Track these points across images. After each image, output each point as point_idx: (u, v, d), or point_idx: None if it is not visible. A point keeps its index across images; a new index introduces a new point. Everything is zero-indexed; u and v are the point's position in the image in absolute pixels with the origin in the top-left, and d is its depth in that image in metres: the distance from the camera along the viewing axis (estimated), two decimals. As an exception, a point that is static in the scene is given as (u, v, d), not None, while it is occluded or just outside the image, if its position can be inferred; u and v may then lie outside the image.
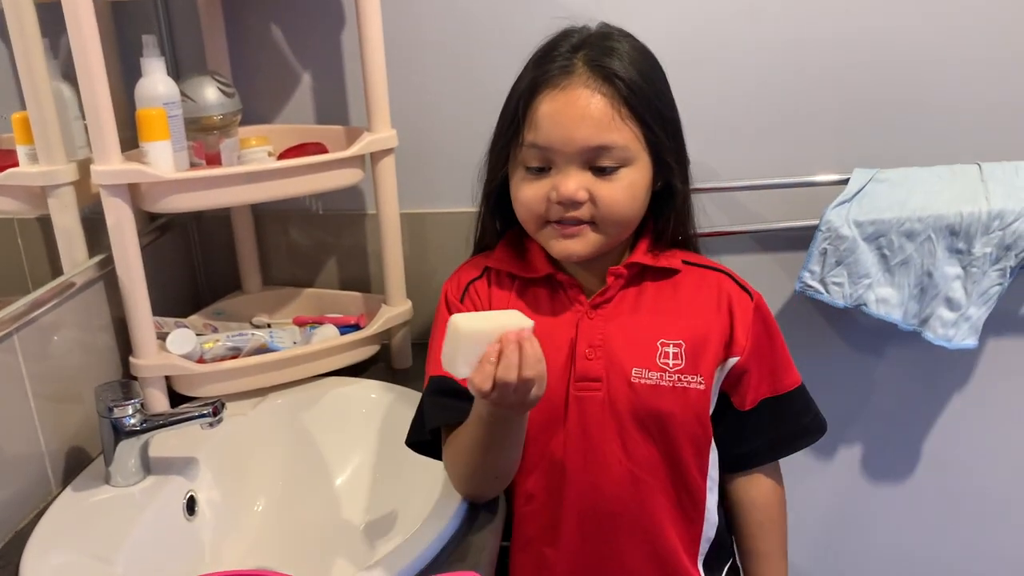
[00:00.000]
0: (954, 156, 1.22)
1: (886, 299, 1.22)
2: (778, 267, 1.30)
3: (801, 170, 1.25)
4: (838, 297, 1.22)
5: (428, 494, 0.94)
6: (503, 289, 1.01)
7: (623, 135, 0.90)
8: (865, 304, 1.22)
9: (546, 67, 0.92)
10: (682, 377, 0.94)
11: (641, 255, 0.97)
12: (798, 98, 1.23)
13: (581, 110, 0.89)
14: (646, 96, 0.91)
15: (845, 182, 1.22)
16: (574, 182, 0.90)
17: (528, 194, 0.94)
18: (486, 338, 0.78)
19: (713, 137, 1.24)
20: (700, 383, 0.95)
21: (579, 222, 0.92)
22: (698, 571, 1.01)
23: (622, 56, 0.91)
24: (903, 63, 1.21)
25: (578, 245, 0.94)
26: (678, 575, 0.99)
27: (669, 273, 0.98)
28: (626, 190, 0.91)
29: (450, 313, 1.00)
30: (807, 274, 1.22)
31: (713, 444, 0.99)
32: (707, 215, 1.23)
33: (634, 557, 0.98)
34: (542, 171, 0.93)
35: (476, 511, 0.94)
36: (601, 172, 0.91)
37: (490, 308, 1.01)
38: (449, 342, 0.79)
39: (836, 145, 1.25)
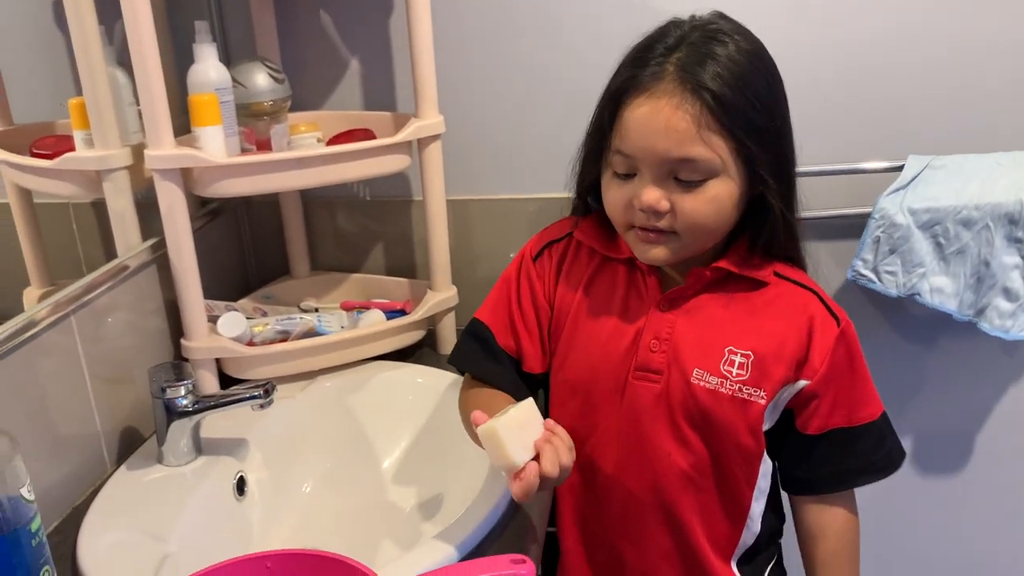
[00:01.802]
0: (1014, 143, 1.19)
1: (941, 288, 1.19)
2: (829, 256, 1.28)
3: (853, 157, 1.23)
4: (891, 286, 1.20)
5: (474, 477, 0.95)
6: (579, 262, 1.01)
7: (708, 149, 0.85)
8: (919, 294, 1.19)
9: (639, 68, 0.87)
10: (743, 388, 0.92)
11: (728, 261, 0.94)
12: (850, 83, 1.21)
13: (664, 121, 0.84)
14: (738, 108, 0.85)
15: (898, 169, 1.19)
16: (655, 194, 0.87)
17: (614, 199, 0.92)
18: (518, 423, 0.80)
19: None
20: (761, 397, 0.92)
21: (659, 231, 0.90)
22: (731, 570, 0.99)
23: (719, 61, 0.85)
24: (959, 46, 1.18)
25: (659, 252, 0.91)
26: (705, 571, 0.98)
27: (756, 284, 0.95)
28: (710, 203, 0.87)
29: (520, 271, 1.03)
30: (859, 263, 1.20)
31: (765, 457, 0.96)
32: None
33: (665, 546, 0.98)
34: (628, 176, 0.90)
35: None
36: (686, 184, 0.87)
37: (556, 278, 1.01)
38: (493, 447, 0.79)
39: (889, 131, 1.23)
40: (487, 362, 1.01)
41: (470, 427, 0.97)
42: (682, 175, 0.86)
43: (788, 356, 0.92)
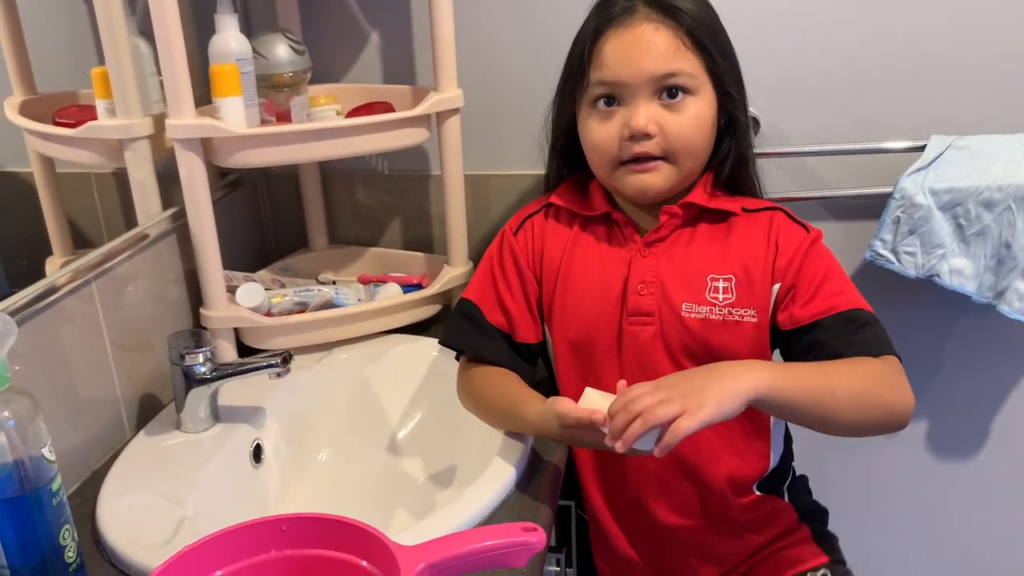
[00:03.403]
0: (1038, 123, 1.18)
1: (960, 270, 1.18)
2: (847, 235, 1.27)
3: (874, 136, 1.22)
4: (910, 267, 1.19)
5: (486, 450, 0.95)
6: (561, 224, 1.04)
7: (689, 63, 0.92)
8: (938, 275, 1.19)
9: (608, 11, 0.95)
10: (733, 311, 0.95)
11: (697, 196, 0.98)
12: (872, 61, 1.20)
13: (646, 43, 0.92)
14: (707, 27, 0.94)
15: (920, 149, 1.18)
16: (644, 115, 0.93)
17: (600, 135, 0.96)
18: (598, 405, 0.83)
19: (784, 100, 1.21)
20: (752, 316, 0.95)
21: (652, 158, 0.94)
22: (752, 492, 1.02)
23: None
24: (985, 25, 1.16)
25: (655, 178, 0.96)
26: (726, 501, 1.01)
27: (725, 215, 0.99)
28: (693, 120, 0.94)
29: (502, 245, 1.06)
30: (878, 243, 1.19)
31: None
32: (775, 180, 1.22)
33: (689, 487, 1.00)
34: (611, 104, 0.95)
35: (535, 467, 0.95)
36: (671, 97, 0.93)
37: (543, 244, 1.04)
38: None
39: (911, 110, 1.21)
40: (479, 338, 1.02)
41: (488, 414, 0.98)
42: (667, 91, 0.93)
43: (765, 269, 0.96)
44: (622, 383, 0.85)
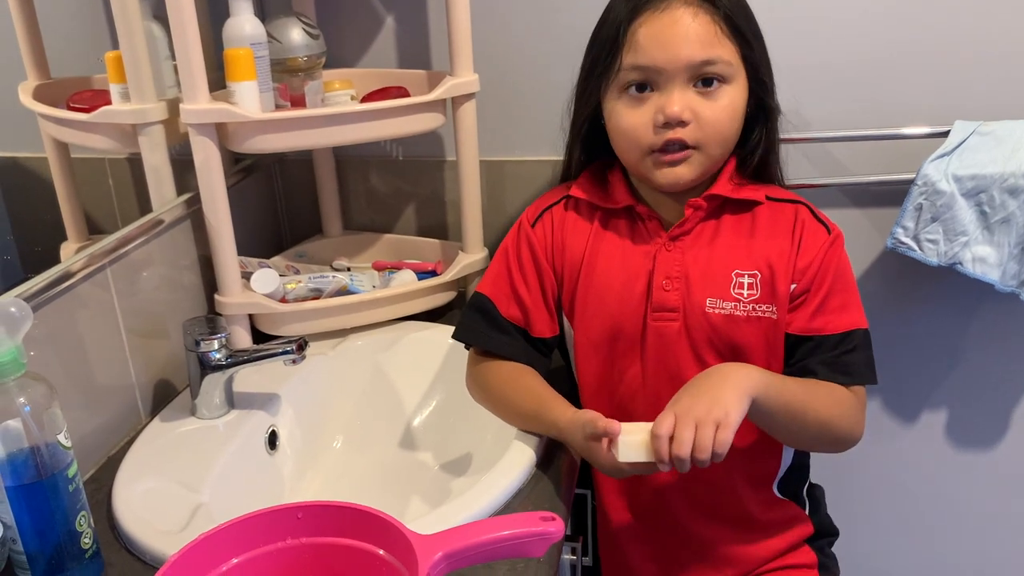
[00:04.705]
0: (1065, 109, 1.16)
1: (984, 258, 1.16)
2: (868, 222, 1.25)
3: (896, 121, 1.20)
4: (932, 255, 1.17)
5: (501, 438, 0.95)
6: (582, 218, 1.02)
7: (726, 50, 0.91)
8: (960, 263, 1.17)
9: None
10: (756, 307, 0.94)
11: (722, 187, 0.97)
12: (895, 46, 1.18)
13: (684, 28, 0.90)
14: (743, 12, 0.92)
15: (943, 135, 1.16)
16: (679, 102, 0.91)
17: (630, 121, 0.94)
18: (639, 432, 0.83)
19: (806, 86, 1.20)
20: (773, 313, 0.95)
21: (684, 146, 0.92)
22: (773, 493, 1.02)
23: None
24: (1008, 8, 1.14)
25: (685, 170, 0.94)
26: (746, 498, 1.00)
27: (749, 205, 0.98)
28: (727, 108, 0.92)
29: (519, 237, 1.03)
30: (900, 230, 1.18)
31: None
32: (796, 167, 1.20)
33: (707, 482, 0.99)
34: (643, 90, 0.93)
35: (552, 455, 0.94)
36: (707, 85, 0.91)
37: (563, 237, 1.02)
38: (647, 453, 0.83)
39: (934, 96, 1.19)
40: (493, 333, 1.01)
41: (507, 413, 0.98)
42: (706, 72, 0.91)
43: (787, 267, 0.95)
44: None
